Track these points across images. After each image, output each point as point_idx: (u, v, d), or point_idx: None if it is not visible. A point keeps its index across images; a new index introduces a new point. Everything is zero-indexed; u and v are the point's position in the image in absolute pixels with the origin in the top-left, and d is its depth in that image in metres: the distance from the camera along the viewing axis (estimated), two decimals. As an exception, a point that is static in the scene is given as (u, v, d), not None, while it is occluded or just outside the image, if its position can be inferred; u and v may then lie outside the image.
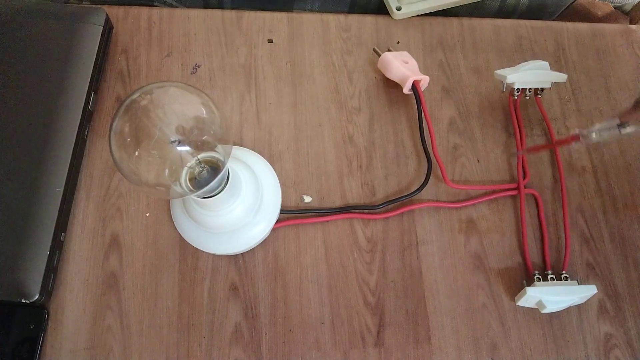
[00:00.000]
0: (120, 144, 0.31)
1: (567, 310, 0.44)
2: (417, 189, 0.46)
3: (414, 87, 0.47)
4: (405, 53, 0.50)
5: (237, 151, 0.44)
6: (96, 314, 0.40)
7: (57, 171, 0.41)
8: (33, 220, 0.39)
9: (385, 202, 0.45)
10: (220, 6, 0.54)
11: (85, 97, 0.43)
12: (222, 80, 0.49)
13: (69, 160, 0.41)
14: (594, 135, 0.36)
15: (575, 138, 0.38)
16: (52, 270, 0.39)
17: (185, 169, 0.34)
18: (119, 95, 0.47)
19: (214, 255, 0.42)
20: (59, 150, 0.41)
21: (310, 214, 0.45)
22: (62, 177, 0.41)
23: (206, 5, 0.54)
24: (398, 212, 0.45)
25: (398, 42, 0.53)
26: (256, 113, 0.48)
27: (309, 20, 0.52)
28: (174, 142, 0.31)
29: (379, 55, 0.49)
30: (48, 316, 0.39)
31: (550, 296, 0.41)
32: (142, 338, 0.40)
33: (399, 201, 0.46)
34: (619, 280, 0.46)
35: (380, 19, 0.53)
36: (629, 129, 0.34)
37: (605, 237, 0.47)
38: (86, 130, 0.44)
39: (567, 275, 0.44)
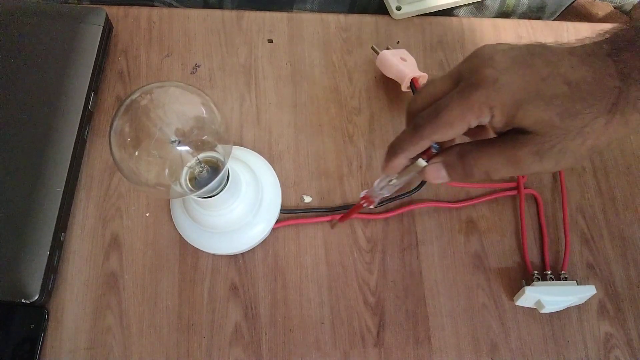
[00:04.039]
0: (120, 144, 0.31)
1: (567, 310, 0.44)
2: (417, 186, 0.46)
3: (413, 84, 0.47)
4: (404, 51, 0.50)
5: (237, 151, 0.44)
6: (96, 314, 0.40)
7: (57, 171, 0.41)
8: (33, 220, 0.39)
9: (385, 200, 0.45)
10: (220, 6, 0.54)
11: (85, 97, 0.43)
12: (222, 80, 0.49)
13: (69, 160, 0.41)
14: (377, 192, 0.36)
15: (366, 199, 0.37)
16: (52, 270, 0.39)
17: (185, 168, 0.34)
18: (119, 95, 0.47)
19: (214, 255, 0.42)
20: (59, 150, 0.41)
21: (310, 213, 0.45)
22: (62, 177, 0.41)
23: (206, 5, 0.54)
24: (398, 212, 0.45)
25: (398, 42, 0.53)
26: (256, 113, 0.48)
27: (309, 20, 0.52)
28: (174, 142, 0.31)
29: (377, 54, 0.49)
30: (48, 316, 0.39)
31: (549, 296, 0.41)
32: (142, 338, 0.40)
33: (398, 199, 0.46)
34: (619, 280, 0.46)
35: (380, 19, 0.53)
36: (394, 181, 0.34)
37: (605, 237, 0.47)
38: (86, 130, 0.44)
39: (567, 276, 0.44)
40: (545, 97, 0.27)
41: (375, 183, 0.36)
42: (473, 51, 0.30)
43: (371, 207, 0.37)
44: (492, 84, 0.28)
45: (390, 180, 0.34)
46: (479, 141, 0.31)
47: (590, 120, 0.27)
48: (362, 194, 0.37)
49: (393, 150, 0.32)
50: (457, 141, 0.32)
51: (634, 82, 0.26)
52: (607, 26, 0.28)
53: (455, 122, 0.29)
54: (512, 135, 0.29)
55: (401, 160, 0.32)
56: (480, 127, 0.30)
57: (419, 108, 0.31)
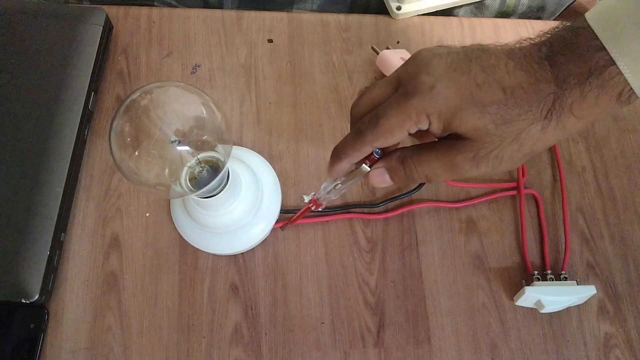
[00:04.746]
0: (120, 144, 0.31)
1: (567, 310, 0.44)
2: (417, 186, 0.46)
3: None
4: (404, 50, 0.50)
5: (237, 151, 0.44)
6: (96, 314, 0.40)
7: (57, 171, 0.41)
8: (33, 220, 0.39)
9: (385, 200, 0.45)
10: (220, 6, 0.54)
11: (85, 97, 0.43)
12: (222, 80, 0.49)
13: (69, 160, 0.41)
14: (324, 195, 0.36)
15: (313, 202, 0.37)
16: (52, 270, 0.39)
17: (185, 168, 0.34)
18: (119, 95, 0.47)
19: (214, 255, 0.42)
20: (59, 150, 0.41)
21: (310, 213, 0.45)
22: (62, 177, 0.41)
23: (206, 5, 0.54)
24: (398, 212, 0.45)
25: (398, 42, 0.53)
26: (256, 113, 0.48)
27: (309, 20, 0.52)
28: (174, 141, 0.31)
29: (377, 54, 0.50)
30: (48, 316, 0.39)
31: (549, 296, 0.41)
32: (142, 338, 0.40)
33: (399, 199, 0.46)
34: (619, 280, 0.46)
35: (380, 19, 0.53)
36: (340, 185, 0.35)
37: (605, 237, 0.47)
38: (86, 130, 0.44)
39: (567, 276, 0.44)
40: (479, 105, 0.27)
41: (322, 186, 0.36)
42: (412, 55, 0.30)
43: (319, 209, 0.38)
44: (427, 91, 0.28)
45: (336, 185, 0.35)
46: (419, 146, 0.31)
47: (525, 127, 0.27)
48: (309, 197, 0.37)
49: (337, 155, 0.33)
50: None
51: (569, 87, 0.26)
52: (551, 24, 0.28)
53: (394, 130, 0.29)
54: (451, 140, 0.29)
55: (345, 165, 0.33)
56: (424, 130, 0.30)
57: (360, 113, 0.32)
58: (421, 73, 0.28)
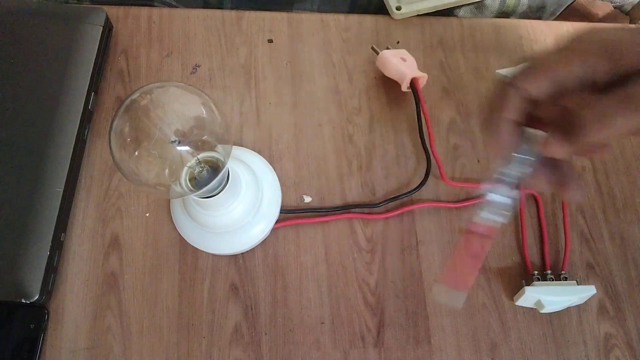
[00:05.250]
0: (120, 144, 0.31)
1: (567, 310, 0.44)
2: (417, 186, 0.46)
3: (413, 84, 0.47)
4: (404, 51, 0.50)
5: (237, 151, 0.44)
6: (96, 314, 0.40)
7: (57, 171, 0.41)
8: (33, 220, 0.39)
9: (385, 200, 0.45)
10: (220, 6, 0.54)
11: (85, 97, 0.43)
12: (222, 80, 0.49)
13: (69, 160, 0.41)
14: (516, 171, 0.28)
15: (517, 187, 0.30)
16: (52, 270, 0.39)
17: (185, 168, 0.34)
18: (119, 95, 0.47)
19: (214, 255, 0.42)
20: (59, 150, 0.41)
21: (310, 213, 0.45)
22: (62, 177, 0.41)
23: (206, 5, 0.54)
24: (398, 212, 0.45)
25: (398, 42, 0.53)
26: (256, 113, 0.48)
27: (309, 20, 0.52)
28: (174, 142, 0.31)
29: (377, 54, 0.49)
30: (48, 316, 0.39)
31: (549, 296, 0.41)
32: (142, 338, 0.40)
33: (399, 199, 0.46)
34: (619, 280, 0.46)
35: (380, 19, 0.53)
36: (522, 157, 0.28)
37: (605, 237, 0.47)
38: (86, 130, 0.44)
39: (567, 276, 0.44)
40: None
41: (504, 169, 0.28)
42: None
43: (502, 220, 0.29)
44: (586, 35, 0.25)
45: (520, 157, 0.27)
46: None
47: None
48: (485, 188, 0.29)
49: (487, 121, 0.27)
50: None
51: None
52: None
53: (552, 67, 0.25)
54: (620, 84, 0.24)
55: (505, 127, 0.26)
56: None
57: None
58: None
